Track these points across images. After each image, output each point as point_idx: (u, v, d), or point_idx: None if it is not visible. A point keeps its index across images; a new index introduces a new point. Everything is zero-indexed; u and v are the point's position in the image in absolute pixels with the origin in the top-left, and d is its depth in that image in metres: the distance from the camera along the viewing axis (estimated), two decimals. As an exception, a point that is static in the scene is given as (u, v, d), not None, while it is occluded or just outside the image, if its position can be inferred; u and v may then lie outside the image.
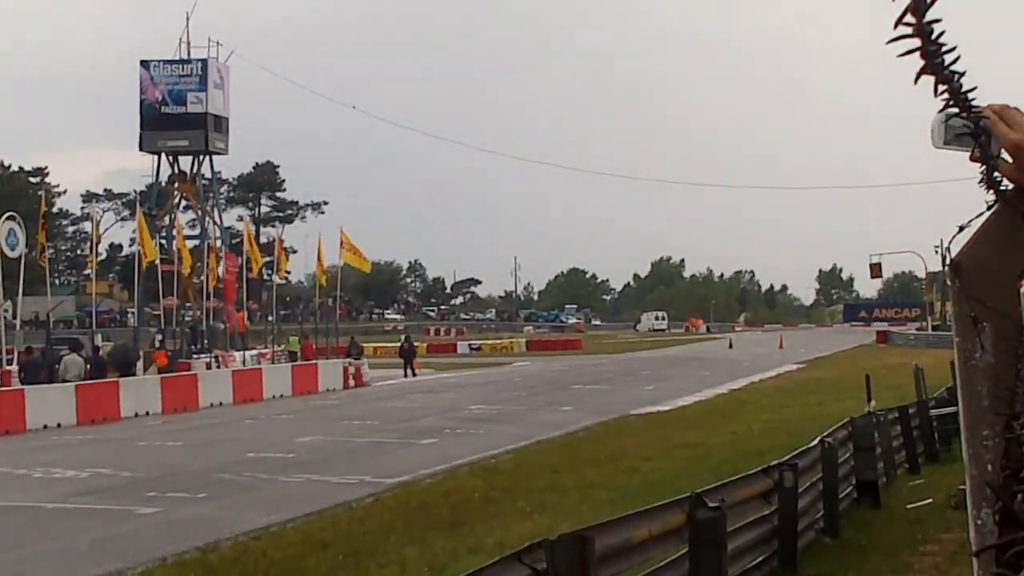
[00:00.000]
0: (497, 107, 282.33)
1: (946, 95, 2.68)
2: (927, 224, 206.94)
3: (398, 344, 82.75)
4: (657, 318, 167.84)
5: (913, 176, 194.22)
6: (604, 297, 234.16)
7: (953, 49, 2.54)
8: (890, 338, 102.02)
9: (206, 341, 59.76)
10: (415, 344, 70.38)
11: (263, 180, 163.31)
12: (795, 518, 13.23)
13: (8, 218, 43.22)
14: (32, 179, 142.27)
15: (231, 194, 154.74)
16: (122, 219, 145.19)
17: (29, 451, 28.13)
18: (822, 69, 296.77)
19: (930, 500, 17.70)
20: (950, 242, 3.01)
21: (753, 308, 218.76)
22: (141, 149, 77.03)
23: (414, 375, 62.14)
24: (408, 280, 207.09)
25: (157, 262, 60.41)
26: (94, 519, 18.48)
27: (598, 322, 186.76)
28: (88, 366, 41.23)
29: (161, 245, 68.09)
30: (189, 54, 76.90)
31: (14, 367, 40.99)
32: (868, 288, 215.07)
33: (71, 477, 23.08)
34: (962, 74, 2.63)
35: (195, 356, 54.35)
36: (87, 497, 20.55)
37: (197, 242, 72.83)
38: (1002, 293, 2.90)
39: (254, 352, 58.21)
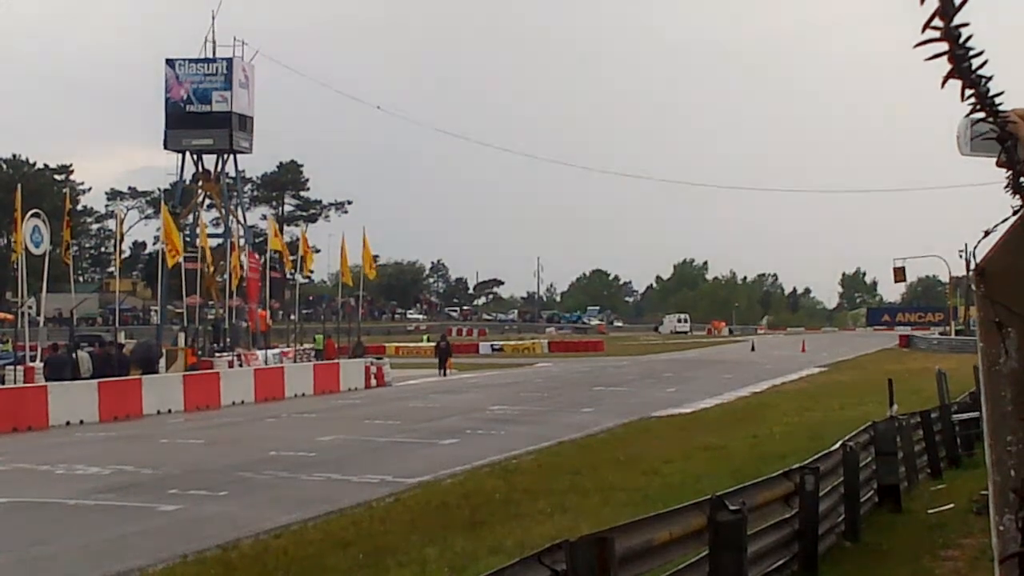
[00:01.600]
0: (523, 109, 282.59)
1: (973, 99, 2.67)
2: (952, 228, 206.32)
3: (421, 344, 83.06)
4: (679, 320, 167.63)
5: (938, 180, 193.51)
6: (627, 299, 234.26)
7: (981, 53, 2.53)
8: (913, 342, 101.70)
9: (228, 339, 59.86)
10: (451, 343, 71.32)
11: (287, 179, 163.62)
12: (816, 522, 13.20)
13: (33, 215, 43.34)
14: (57, 176, 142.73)
15: (255, 193, 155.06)
16: (146, 217, 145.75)
17: (52, 447, 28.22)
18: (848, 73, 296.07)
19: (952, 505, 17.64)
20: (975, 247, 3.00)
21: (776, 311, 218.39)
22: (166, 147, 77.23)
23: (445, 375, 62.32)
24: (431, 280, 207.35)
25: (181, 260, 60.60)
26: (116, 516, 18.55)
27: (620, 324, 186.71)
28: (112, 362, 41.33)
29: (185, 243, 68.21)
30: (214, 53, 77.11)
31: (38, 363, 41.12)
32: (892, 292, 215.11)
33: (93, 474, 23.16)
34: (989, 78, 2.62)
35: (217, 354, 54.44)
36: (109, 494, 20.61)
37: (220, 240, 72.98)
38: (1027, 298, 2.89)
39: (276, 351, 58.30)
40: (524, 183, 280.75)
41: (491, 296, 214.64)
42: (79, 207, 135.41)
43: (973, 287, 3.01)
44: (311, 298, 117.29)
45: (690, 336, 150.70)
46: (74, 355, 40.78)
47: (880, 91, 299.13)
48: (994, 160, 2.82)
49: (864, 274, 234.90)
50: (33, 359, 42.05)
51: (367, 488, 21.16)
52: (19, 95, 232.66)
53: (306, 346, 62.16)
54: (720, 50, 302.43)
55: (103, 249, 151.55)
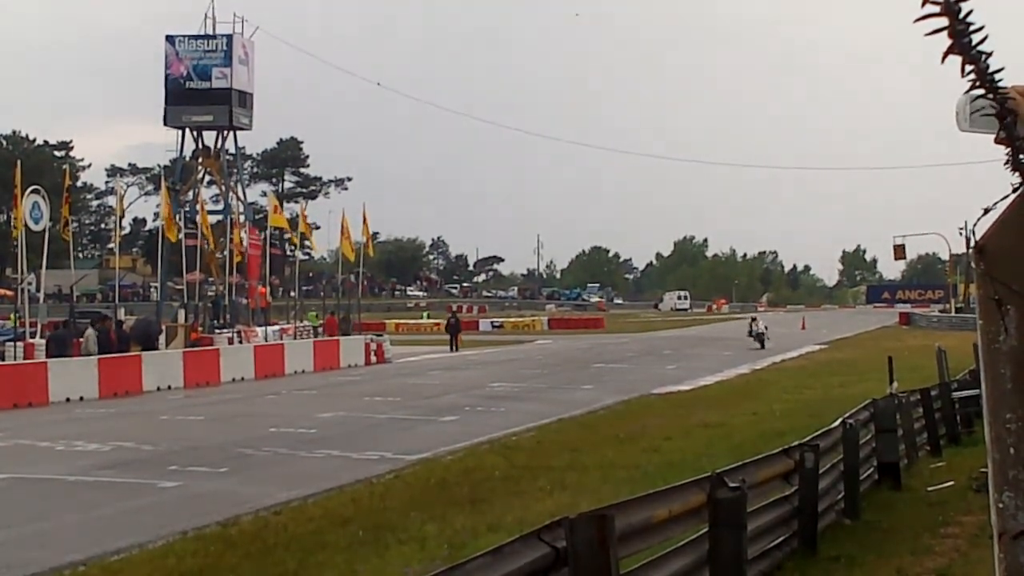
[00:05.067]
0: (522, 84, 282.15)
1: (972, 76, 2.65)
2: (952, 205, 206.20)
3: (421, 321, 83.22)
4: (680, 297, 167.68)
5: (938, 157, 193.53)
6: (626, 276, 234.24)
7: (981, 29, 2.51)
8: (913, 320, 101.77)
9: (228, 316, 59.85)
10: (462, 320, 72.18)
11: (287, 156, 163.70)
12: (816, 499, 13.20)
13: (32, 191, 43.29)
14: (57, 153, 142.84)
15: (255, 170, 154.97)
16: (146, 194, 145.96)
17: (52, 424, 28.22)
18: (848, 50, 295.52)
19: (951, 483, 17.64)
20: (975, 224, 2.99)
21: (776, 288, 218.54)
22: (165, 124, 77.03)
23: (456, 350, 62.66)
24: (431, 257, 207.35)
25: (182, 236, 60.62)
26: (116, 492, 18.55)
27: (620, 301, 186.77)
28: (115, 339, 41.28)
29: (185, 219, 68.10)
30: (214, 29, 76.85)
31: (38, 340, 41.11)
32: (891, 269, 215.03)
33: (93, 450, 23.16)
34: (989, 54, 2.60)
35: (217, 331, 54.43)
36: (109, 470, 20.62)
37: (220, 217, 72.86)
38: (1027, 276, 2.88)
39: (276, 327, 58.31)
40: (524, 160, 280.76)
41: (491, 273, 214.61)
42: (79, 183, 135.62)
43: (973, 265, 3.00)
44: (311, 275, 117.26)
45: (690, 313, 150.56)
46: (83, 333, 40.75)
47: (881, 68, 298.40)
48: (992, 137, 2.80)
49: (864, 251, 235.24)
50: (33, 335, 42.04)
51: (367, 465, 21.17)
52: (19, 71, 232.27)
53: (305, 323, 62.26)
54: (724, 25, 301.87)
55: (103, 225, 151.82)
